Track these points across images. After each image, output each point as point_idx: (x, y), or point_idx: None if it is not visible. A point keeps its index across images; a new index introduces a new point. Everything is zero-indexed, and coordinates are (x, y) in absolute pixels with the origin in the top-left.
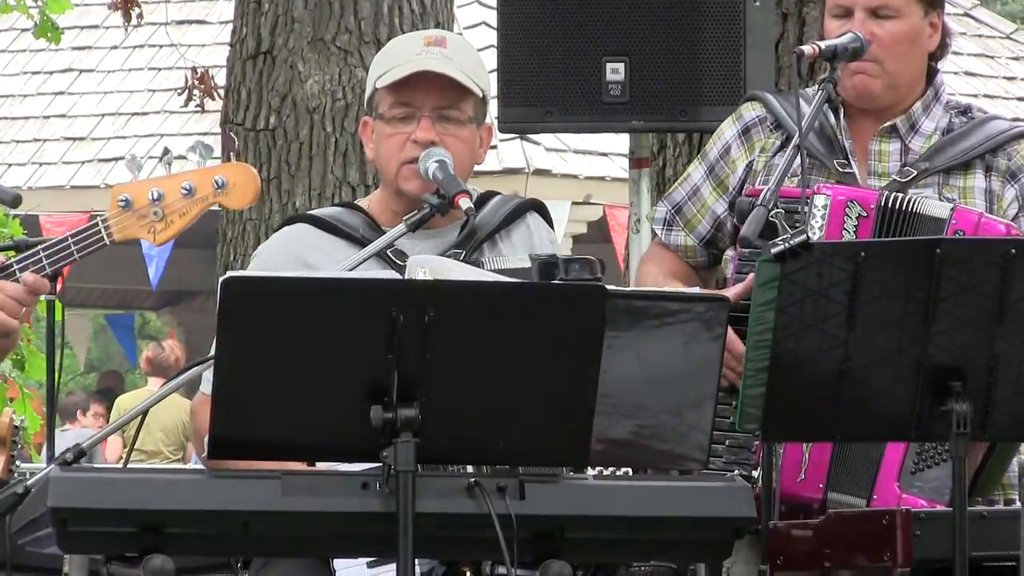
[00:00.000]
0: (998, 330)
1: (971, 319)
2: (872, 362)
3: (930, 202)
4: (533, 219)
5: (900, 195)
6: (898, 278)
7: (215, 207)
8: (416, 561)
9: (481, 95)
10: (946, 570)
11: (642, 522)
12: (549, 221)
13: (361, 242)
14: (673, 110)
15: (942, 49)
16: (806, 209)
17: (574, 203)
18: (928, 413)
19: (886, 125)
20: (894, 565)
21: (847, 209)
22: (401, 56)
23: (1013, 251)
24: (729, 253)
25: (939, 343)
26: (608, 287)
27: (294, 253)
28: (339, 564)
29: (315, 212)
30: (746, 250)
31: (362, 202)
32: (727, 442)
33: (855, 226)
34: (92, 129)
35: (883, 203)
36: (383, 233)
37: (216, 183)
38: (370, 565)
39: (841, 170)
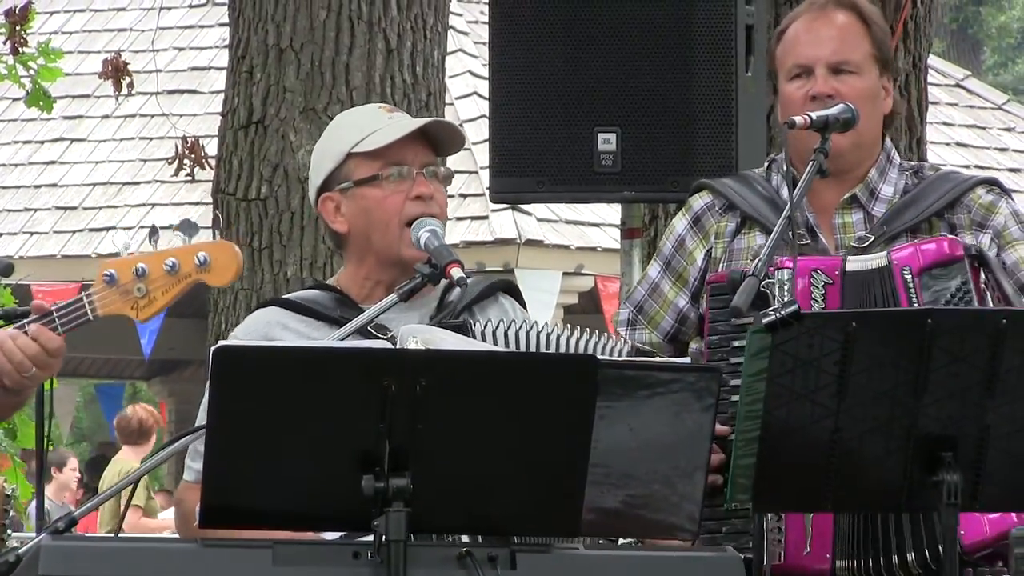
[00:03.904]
0: (989, 401)
1: (962, 390)
2: (863, 432)
3: (874, 256)
4: (506, 299)
5: (856, 260)
6: (889, 348)
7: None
8: None
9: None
10: None
11: None
12: (521, 302)
13: (338, 321)
14: (664, 180)
15: (891, 117)
16: (773, 283)
17: (565, 273)
18: (919, 483)
19: (846, 196)
20: None
21: (812, 278)
22: (373, 123)
23: (1004, 321)
24: (693, 346)
25: (930, 413)
26: (600, 357)
27: (264, 334)
28: None
29: (287, 295)
30: (714, 337)
31: (331, 280)
32: (724, 529)
33: (822, 294)
34: (83, 199)
35: (845, 270)
36: (360, 309)
37: (198, 260)
38: None
39: (803, 244)
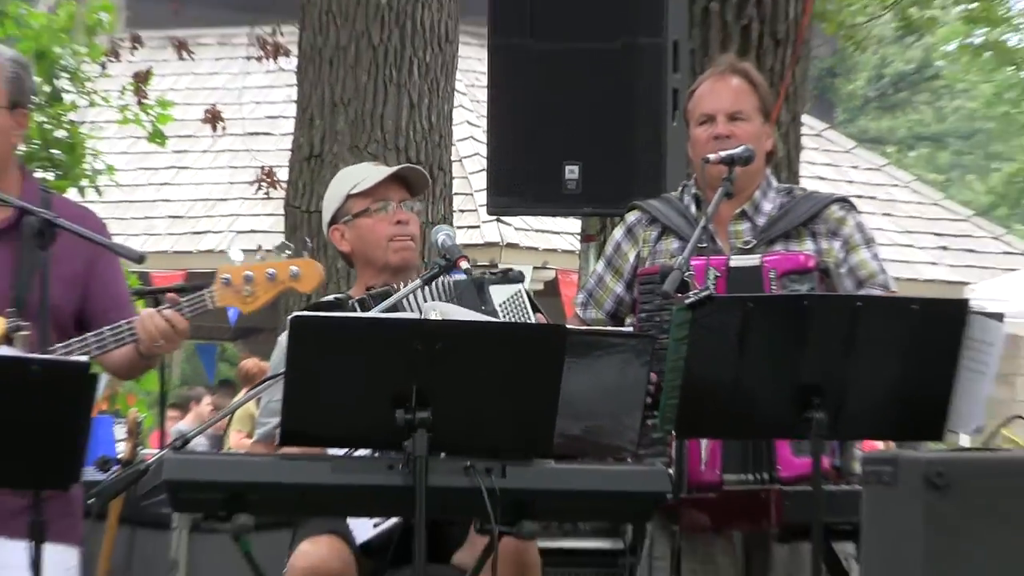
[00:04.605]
0: (846, 360)
1: (828, 352)
2: (756, 382)
3: (747, 257)
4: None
5: (738, 259)
6: (776, 322)
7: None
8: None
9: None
10: (805, 531)
11: (588, 494)
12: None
13: None
14: (613, 201)
15: (772, 154)
16: (691, 275)
17: (535, 267)
18: (796, 419)
19: (737, 211)
20: (768, 527)
21: (707, 272)
22: (364, 173)
23: (859, 304)
24: (628, 320)
25: (804, 369)
26: (568, 327)
27: None
28: (352, 522)
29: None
30: (643, 314)
31: (343, 294)
32: (652, 435)
33: (714, 284)
34: (188, 210)
35: (730, 266)
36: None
37: (291, 272)
38: (375, 525)
39: (702, 247)
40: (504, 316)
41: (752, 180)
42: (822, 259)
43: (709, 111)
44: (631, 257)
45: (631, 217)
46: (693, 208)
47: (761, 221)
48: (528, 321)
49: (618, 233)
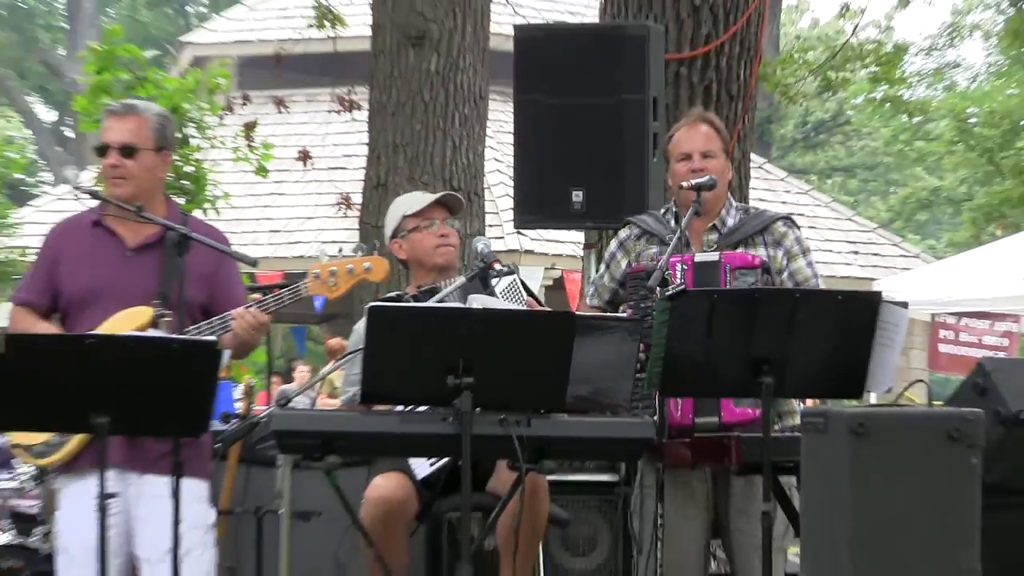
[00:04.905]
0: (788, 338)
1: (773, 332)
2: (720, 355)
3: (709, 254)
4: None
5: (701, 255)
6: (734, 309)
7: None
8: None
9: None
10: (758, 467)
11: (592, 440)
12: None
13: None
14: (609, 217)
15: (731, 182)
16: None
17: (545, 268)
18: (750, 382)
19: (709, 225)
20: (731, 464)
21: (679, 267)
22: (415, 199)
23: (797, 295)
24: (622, 308)
25: (756, 345)
26: (577, 313)
27: None
28: (413, 462)
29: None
30: (632, 303)
31: (400, 291)
32: (641, 394)
33: (682, 275)
34: (284, 226)
35: (694, 261)
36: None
37: (365, 267)
38: (431, 464)
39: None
40: (504, 299)
41: (718, 202)
42: (766, 262)
43: (687, 151)
44: (623, 264)
45: (623, 233)
46: (672, 222)
47: (725, 231)
48: (522, 302)
49: (613, 245)
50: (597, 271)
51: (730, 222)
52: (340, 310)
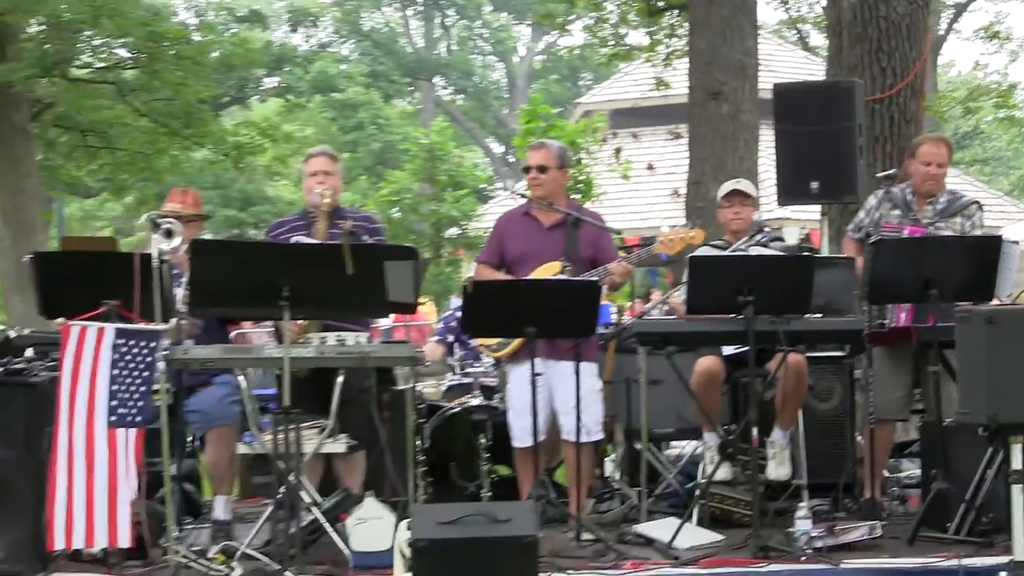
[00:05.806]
0: (948, 265)
1: (939, 263)
2: (924, 277)
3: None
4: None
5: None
6: (914, 248)
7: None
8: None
9: None
10: (930, 345)
11: (829, 332)
12: None
13: None
14: (834, 197)
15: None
16: None
17: (800, 229)
18: (922, 294)
19: (928, 203)
20: (913, 342)
21: (903, 232)
22: (724, 186)
23: (949, 240)
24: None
25: (928, 269)
26: (815, 255)
27: None
28: (724, 349)
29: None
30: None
31: None
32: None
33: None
34: (639, 210)
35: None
36: None
37: (691, 235)
38: (734, 349)
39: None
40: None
41: (936, 189)
42: (955, 231)
43: (929, 160)
44: (874, 214)
45: (879, 194)
46: (909, 197)
47: (939, 207)
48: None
49: (872, 200)
50: (853, 222)
51: (942, 200)
52: (676, 260)
